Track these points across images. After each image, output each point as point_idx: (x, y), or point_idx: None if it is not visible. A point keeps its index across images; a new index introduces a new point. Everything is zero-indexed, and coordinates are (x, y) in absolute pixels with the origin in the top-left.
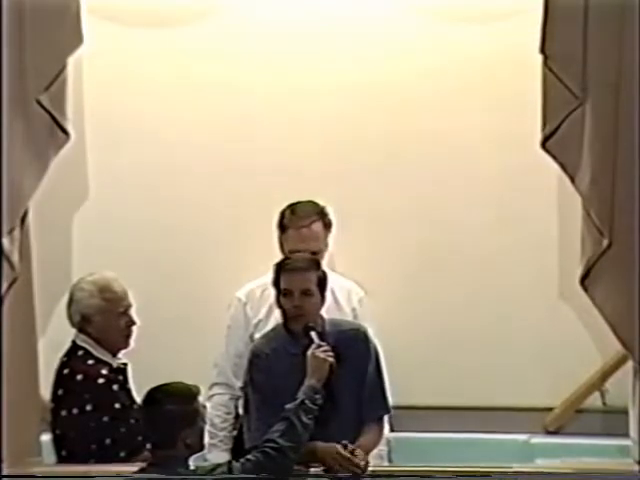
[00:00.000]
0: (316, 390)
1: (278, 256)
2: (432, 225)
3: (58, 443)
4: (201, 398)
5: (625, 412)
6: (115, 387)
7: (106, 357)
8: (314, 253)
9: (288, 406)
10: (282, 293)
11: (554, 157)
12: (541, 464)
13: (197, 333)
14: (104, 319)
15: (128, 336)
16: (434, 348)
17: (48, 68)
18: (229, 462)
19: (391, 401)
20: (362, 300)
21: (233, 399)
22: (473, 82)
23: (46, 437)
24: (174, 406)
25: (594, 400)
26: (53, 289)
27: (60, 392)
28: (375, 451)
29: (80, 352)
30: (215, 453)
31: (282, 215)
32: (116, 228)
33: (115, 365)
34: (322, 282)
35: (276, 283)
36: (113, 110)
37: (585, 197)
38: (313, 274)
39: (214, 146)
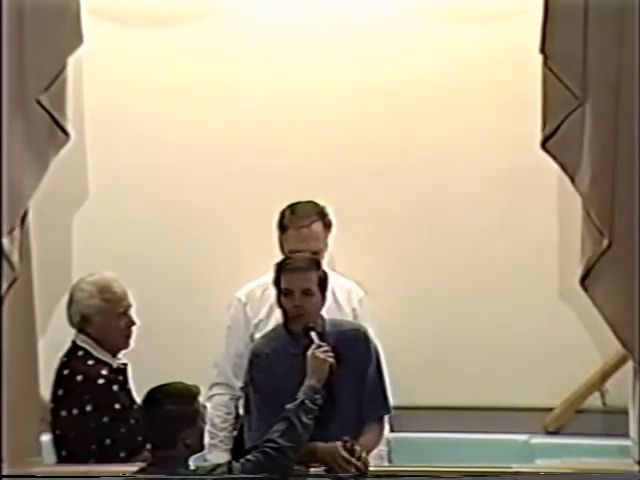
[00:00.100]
0: (316, 390)
1: (278, 256)
2: (432, 225)
3: (58, 443)
4: (201, 398)
5: (625, 412)
6: (115, 387)
7: (106, 357)
8: (314, 253)
9: (288, 406)
10: (283, 293)
11: (554, 157)
12: (541, 464)
13: (197, 333)
14: (104, 319)
15: (128, 336)
16: (434, 348)
17: (48, 68)
18: (229, 462)
19: (392, 401)
20: (362, 300)
21: (233, 399)
22: (473, 82)
23: (46, 437)
24: (174, 406)
25: (594, 400)
26: (53, 289)
27: (60, 392)
28: (375, 451)
29: (80, 352)
30: (215, 453)
31: (282, 215)
32: (116, 228)
33: (115, 365)
34: (323, 282)
35: (277, 283)
36: (113, 110)
37: (585, 197)
38: (314, 274)
39: (214, 146)
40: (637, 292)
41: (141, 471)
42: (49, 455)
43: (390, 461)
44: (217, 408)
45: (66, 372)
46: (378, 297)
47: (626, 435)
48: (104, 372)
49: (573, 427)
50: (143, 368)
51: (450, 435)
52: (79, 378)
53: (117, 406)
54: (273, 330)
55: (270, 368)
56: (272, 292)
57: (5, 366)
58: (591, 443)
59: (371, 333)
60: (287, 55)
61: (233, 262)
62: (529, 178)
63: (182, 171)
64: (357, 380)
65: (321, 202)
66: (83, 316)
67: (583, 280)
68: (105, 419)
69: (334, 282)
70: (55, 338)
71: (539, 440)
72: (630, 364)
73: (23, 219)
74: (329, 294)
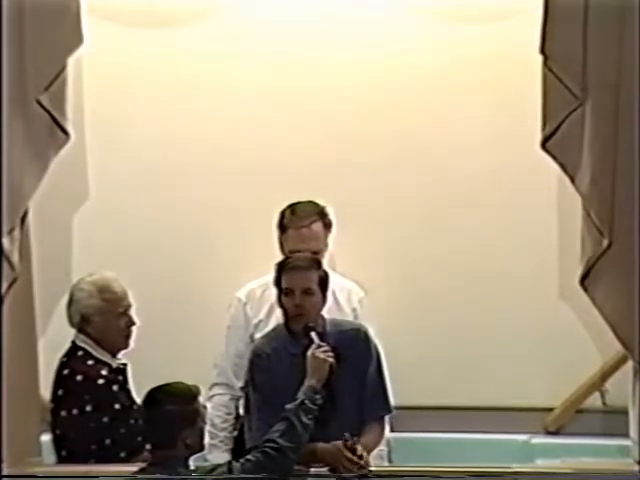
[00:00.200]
0: (316, 390)
1: (278, 256)
2: (432, 225)
3: (58, 443)
4: (201, 398)
5: (625, 412)
6: (115, 387)
7: (106, 357)
8: (314, 253)
9: (288, 406)
10: (283, 292)
11: (554, 157)
12: (541, 464)
13: (197, 333)
14: (104, 319)
15: (128, 336)
16: (434, 348)
17: (48, 68)
18: (229, 462)
19: (392, 401)
20: (362, 300)
21: (233, 399)
22: (473, 82)
23: (46, 437)
24: (174, 406)
25: (594, 400)
26: (53, 289)
27: (60, 392)
28: (375, 451)
29: (80, 352)
30: (215, 453)
31: (282, 215)
32: (116, 228)
33: (115, 365)
34: (323, 282)
35: (277, 282)
36: (113, 110)
37: (585, 197)
38: (314, 273)
39: (214, 146)
40: (637, 292)
41: (141, 471)
42: (49, 455)
43: (390, 461)
44: (217, 408)
45: (66, 372)
46: (378, 297)
47: (626, 435)
48: (104, 372)
49: (573, 427)
50: (143, 368)
51: (450, 435)
52: (79, 378)
53: (117, 406)
54: (274, 330)
55: (270, 368)
56: (272, 292)
57: (5, 366)
58: (591, 443)
59: (371, 333)
60: (287, 55)
61: (233, 262)
62: (529, 178)
63: (182, 171)
64: (358, 380)
65: (321, 202)
66: (83, 316)
67: (583, 280)
68: (105, 419)
69: (334, 282)
70: (55, 338)
71: (539, 440)
72: (630, 364)
73: (23, 219)
74: (329, 294)
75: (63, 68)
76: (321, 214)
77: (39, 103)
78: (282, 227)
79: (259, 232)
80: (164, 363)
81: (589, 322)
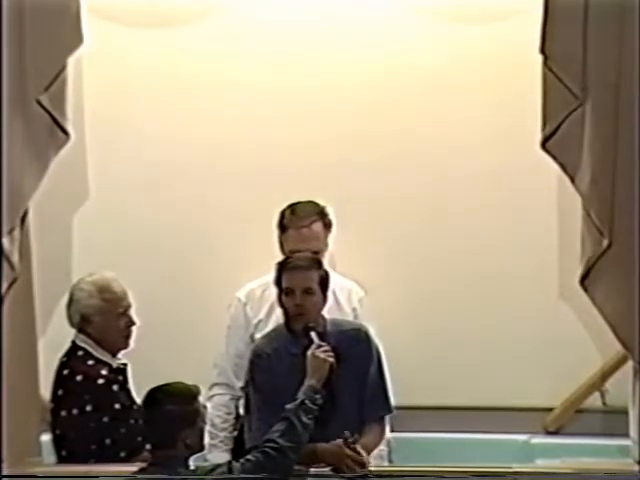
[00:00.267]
0: (316, 390)
1: (278, 256)
2: (432, 225)
3: (58, 443)
4: (201, 398)
5: (625, 412)
6: (115, 387)
7: (106, 357)
8: (314, 253)
9: (288, 406)
10: (284, 292)
11: (554, 157)
12: (541, 464)
13: (197, 333)
14: (103, 319)
15: (128, 336)
16: (434, 348)
17: (48, 68)
18: (229, 462)
19: (392, 401)
20: (362, 300)
21: (234, 399)
22: (473, 82)
23: (46, 437)
24: (174, 406)
25: (594, 400)
26: (53, 289)
27: (60, 392)
28: (375, 451)
29: (80, 352)
30: (215, 453)
31: (282, 215)
32: (116, 228)
33: (115, 365)
34: (324, 281)
35: (278, 282)
36: (113, 110)
37: (585, 197)
38: (315, 273)
39: (214, 146)
40: (637, 292)
41: (141, 471)
42: (49, 455)
43: (390, 461)
44: (217, 408)
45: (66, 372)
46: (378, 297)
47: (626, 435)
48: (104, 372)
49: (573, 427)
50: (143, 368)
51: (450, 435)
52: (79, 378)
53: (117, 406)
54: (274, 330)
55: (271, 368)
56: (272, 292)
57: (5, 366)
58: (591, 443)
59: (371, 333)
60: (287, 55)
61: (233, 262)
62: (529, 178)
63: (182, 171)
64: (358, 380)
65: (321, 202)
66: (83, 316)
67: (583, 280)
68: (105, 419)
69: (334, 282)
70: (55, 338)
71: (539, 440)
72: (630, 364)
73: (23, 219)
74: (329, 294)
75: (63, 68)
76: (321, 214)
77: (39, 103)
78: (282, 227)
79: (259, 232)
80: (164, 363)
81: (589, 322)
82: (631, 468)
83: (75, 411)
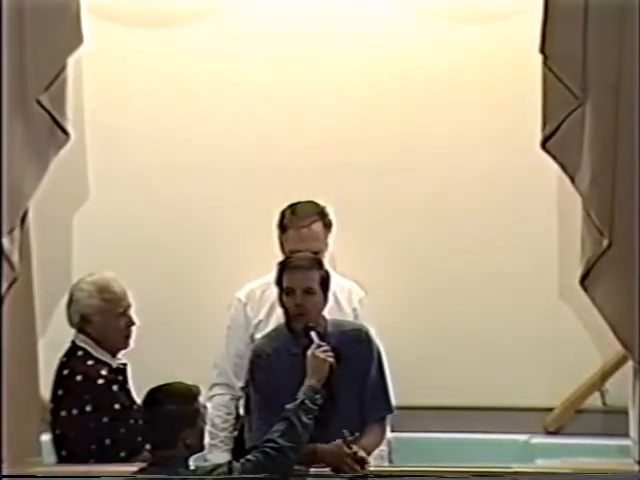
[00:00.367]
0: (316, 390)
1: (278, 256)
2: (432, 225)
3: (58, 443)
4: (201, 398)
5: (625, 412)
6: (115, 387)
7: (106, 357)
8: (315, 253)
9: (288, 406)
10: (285, 291)
11: (554, 157)
12: (541, 464)
13: (197, 333)
14: (103, 319)
15: (127, 336)
16: (434, 348)
17: (48, 68)
18: (229, 462)
19: (393, 401)
20: (362, 300)
21: (234, 399)
22: (473, 82)
23: (46, 437)
24: (174, 406)
25: (594, 400)
26: (53, 289)
27: (60, 392)
28: (376, 451)
29: (80, 352)
30: (216, 454)
31: (282, 215)
32: (116, 228)
33: (115, 365)
34: (325, 281)
35: (279, 282)
36: (113, 110)
37: (585, 197)
38: (316, 273)
39: (214, 146)
40: (637, 292)
41: (141, 471)
42: (49, 455)
43: (390, 461)
44: (217, 408)
45: (66, 372)
46: (378, 297)
47: (626, 435)
48: (104, 372)
49: (573, 427)
50: (143, 368)
51: (450, 435)
52: (79, 378)
53: (117, 406)
54: (275, 330)
55: (271, 368)
56: (272, 292)
57: (5, 366)
58: (591, 443)
59: (372, 333)
60: (287, 55)
61: (233, 262)
62: (529, 178)
63: (182, 171)
64: (359, 380)
65: (321, 202)
66: (82, 316)
67: (583, 280)
68: (105, 419)
69: (334, 282)
70: (55, 338)
71: (539, 440)
72: (630, 364)
73: (23, 219)
74: (330, 294)
75: (63, 68)
76: (321, 214)
77: (39, 103)
78: (282, 227)
79: (259, 232)
80: (164, 363)
81: (589, 322)
82: (631, 468)
83: (75, 411)
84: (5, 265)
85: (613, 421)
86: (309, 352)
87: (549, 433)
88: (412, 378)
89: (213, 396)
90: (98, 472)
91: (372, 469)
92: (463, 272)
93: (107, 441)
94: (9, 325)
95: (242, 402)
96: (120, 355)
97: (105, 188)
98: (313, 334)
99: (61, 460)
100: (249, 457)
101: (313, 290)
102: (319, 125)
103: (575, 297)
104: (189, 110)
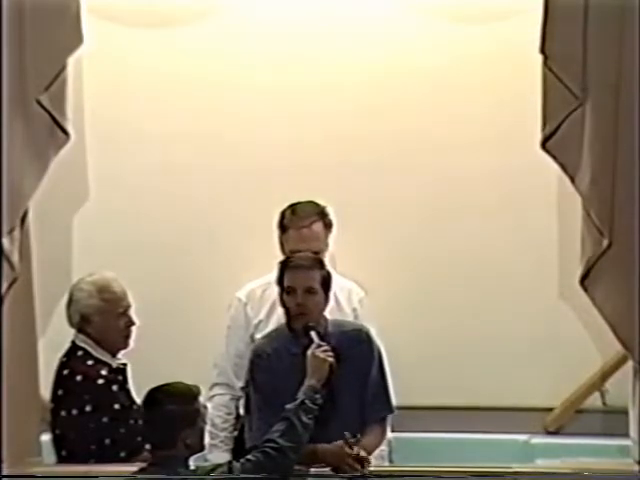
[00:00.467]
0: (316, 390)
1: (278, 256)
2: (432, 225)
3: (58, 443)
4: (202, 398)
5: (625, 412)
6: (115, 387)
7: (105, 357)
8: (315, 253)
9: (288, 406)
10: (285, 291)
11: (554, 157)
12: (541, 464)
13: (197, 333)
14: (103, 319)
15: (127, 336)
16: (434, 348)
17: (48, 68)
18: (229, 462)
19: (393, 401)
20: (363, 300)
21: (234, 399)
22: (473, 82)
23: (46, 437)
24: (174, 406)
25: (594, 400)
26: (53, 289)
27: (60, 392)
28: (376, 451)
29: (79, 352)
30: (216, 453)
31: (282, 215)
32: (116, 228)
33: (115, 365)
34: (326, 281)
35: (280, 281)
36: (113, 110)
37: (585, 197)
38: (317, 272)
39: (214, 146)
40: (637, 292)
41: (141, 471)
42: (49, 455)
43: (391, 461)
44: (218, 408)
45: (66, 372)
46: (378, 297)
47: (626, 435)
48: (104, 372)
49: (573, 427)
50: (143, 368)
51: (450, 435)
52: (79, 378)
53: (117, 406)
54: (275, 330)
55: (271, 368)
56: (273, 292)
57: (5, 366)
58: (591, 443)
59: (372, 333)
60: (287, 55)
61: (233, 262)
62: (529, 178)
63: (182, 171)
64: (359, 380)
65: (321, 202)
66: (82, 316)
67: (583, 280)
68: (105, 419)
69: (335, 282)
70: (55, 338)
71: (539, 440)
72: (630, 364)
73: (23, 219)
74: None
75: (63, 68)
76: (321, 214)
77: (39, 103)
78: (282, 227)
79: (259, 232)
80: (164, 363)
81: (589, 322)
82: (631, 468)
83: (75, 411)
84: (5, 265)
85: (613, 421)
86: (309, 352)
87: (549, 433)
88: (412, 378)
89: (213, 396)
90: (98, 472)
91: (372, 469)
92: (463, 272)
93: (107, 441)
94: (9, 325)
95: (242, 402)
96: (120, 355)
97: (105, 188)
98: (313, 334)
99: (61, 460)
100: (249, 457)
101: (314, 290)
102: (319, 125)
103: (575, 297)
104: (189, 110)
